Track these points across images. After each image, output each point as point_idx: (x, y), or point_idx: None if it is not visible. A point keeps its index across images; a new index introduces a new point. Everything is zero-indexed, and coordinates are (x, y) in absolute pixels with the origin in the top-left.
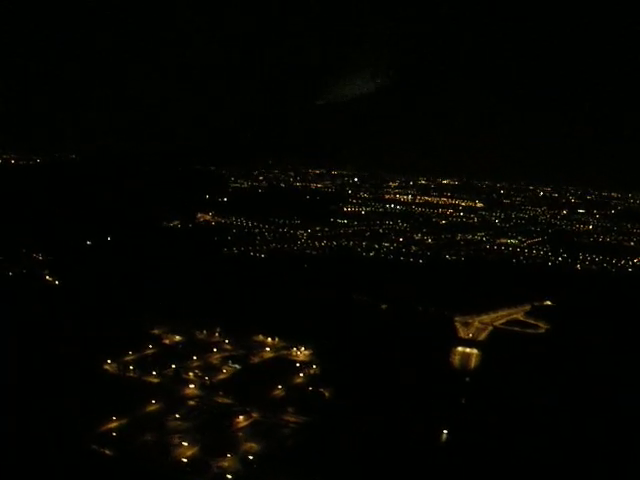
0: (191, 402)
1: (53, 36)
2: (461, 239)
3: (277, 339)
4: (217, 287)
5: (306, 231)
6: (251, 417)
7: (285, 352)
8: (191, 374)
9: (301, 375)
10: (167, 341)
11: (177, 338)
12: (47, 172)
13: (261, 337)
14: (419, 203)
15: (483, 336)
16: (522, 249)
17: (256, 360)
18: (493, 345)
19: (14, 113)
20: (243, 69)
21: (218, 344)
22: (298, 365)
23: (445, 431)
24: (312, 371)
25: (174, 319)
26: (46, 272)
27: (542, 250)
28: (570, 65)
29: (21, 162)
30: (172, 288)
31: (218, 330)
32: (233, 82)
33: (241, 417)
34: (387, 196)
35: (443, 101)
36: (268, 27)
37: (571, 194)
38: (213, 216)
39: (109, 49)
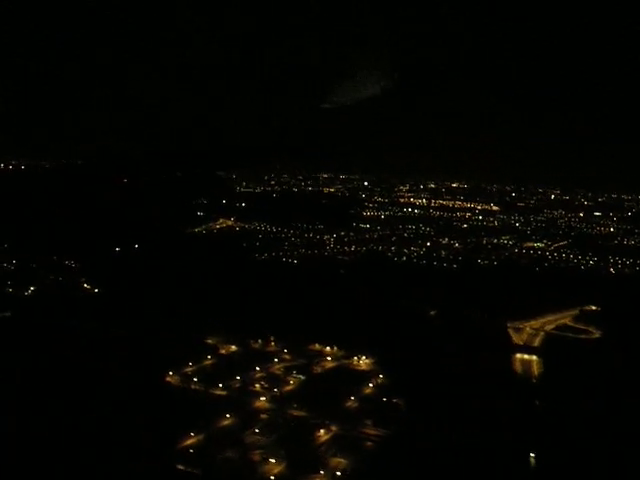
0: (264, 415)
1: (53, 37)
2: (487, 243)
3: (335, 348)
4: (258, 294)
5: (331, 236)
6: (331, 430)
7: (346, 361)
8: (257, 386)
9: (370, 385)
10: (224, 351)
11: (233, 348)
12: (59, 176)
13: (317, 346)
14: (435, 207)
15: (537, 342)
16: (550, 252)
17: (319, 370)
18: (551, 351)
19: (14, 116)
20: (246, 72)
21: (277, 354)
22: (363, 375)
23: (530, 442)
24: (379, 381)
25: (224, 328)
26: (83, 280)
27: (571, 253)
28: (573, 65)
29: (28, 166)
30: (214, 295)
31: (272, 339)
32: (236, 85)
33: (321, 431)
34: (402, 200)
35: (447, 103)
36: (272, 30)
37: (582, 196)
38: (235, 221)
39: (111, 52)
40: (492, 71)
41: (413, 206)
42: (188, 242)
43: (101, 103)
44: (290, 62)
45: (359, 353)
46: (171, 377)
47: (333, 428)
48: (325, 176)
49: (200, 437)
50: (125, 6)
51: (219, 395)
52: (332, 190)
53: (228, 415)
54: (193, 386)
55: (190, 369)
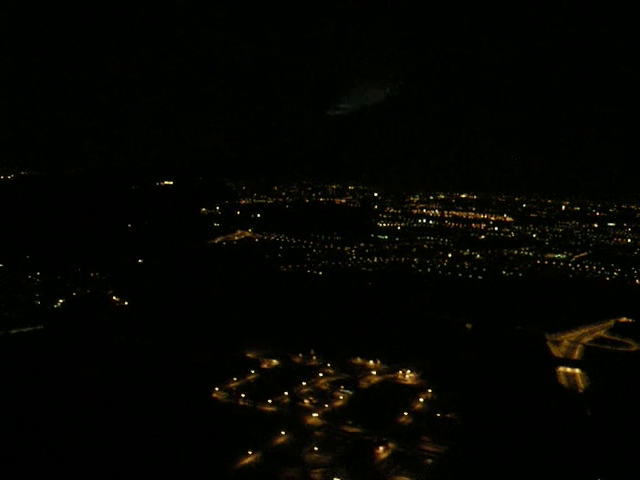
0: (319, 432)
1: (62, 47)
2: (508, 255)
3: (378, 362)
4: (290, 306)
5: (352, 247)
6: (389, 448)
7: (391, 376)
8: (307, 401)
9: (420, 400)
10: (265, 365)
11: (274, 362)
12: (70, 187)
13: (359, 360)
14: (449, 218)
15: (577, 355)
16: (573, 264)
17: (365, 385)
18: (593, 365)
19: (24, 126)
20: (252, 81)
21: (320, 368)
22: (410, 389)
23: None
24: (429, 396)
25: (263, 341)
26: (110, 292)
27: (593, 265)
28: (581, 75)
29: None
30: (246, 307)
31: (312, 353)
32: (243, 94)
33: (380, 448)
34: (414, 211)
35: (453, 113)
36: (278, 39)
37: (592, 207)
38: (253, 233)
39: (123, 63)
40: (499, 82)
41: (426, 217)
42: (210, 253)
43: (111, 114)
44: (296, 70)
45: (403, 367)
46: (217, 393)
47: (391, 445)
48: (334, 187)
49: (258, 455)
50: (137, 18)
51: (269, 411)
52: (343, 201)
53: (283, 432)
54: (241, 402)
55: (234, 384)
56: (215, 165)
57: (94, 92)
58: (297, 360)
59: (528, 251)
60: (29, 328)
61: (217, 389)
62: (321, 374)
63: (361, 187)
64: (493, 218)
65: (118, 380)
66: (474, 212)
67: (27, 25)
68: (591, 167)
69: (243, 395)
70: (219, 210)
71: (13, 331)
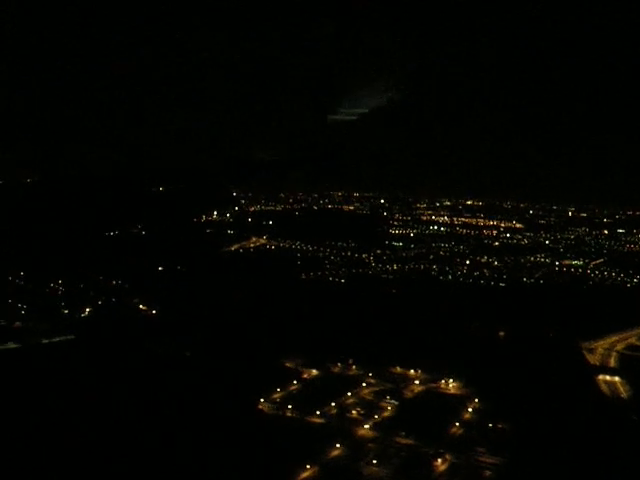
0: (372, 444)
1: (59, 46)
2: (525, 261)
3: (419, 371)
4: (319, 314)
5: (369, 254)
6: (446, 459)
7: (433, 385)
8: (354, 412)
9: (469, 410)
10: (306, 375)
11: (314, 372)
12: (73, 192)
13: (399, 369)
14: (459, 224)
15: (613, 362)
16: (590, 271)
17: (409, 394)
18: (632, 372)
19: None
20: (253, 84)
21: (361, 378)
22: (456, 399)
23: None
24: (476, 405)
25: (299, 350)
26: (136, 301)
27: (612, 271)
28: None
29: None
30: (274, 316)
31: (350, 362)
32: (241, 97)
33: (438, 460)
34: (424, 217)
35: (454, 119)
36: (279, 41)
37: (598, 213)
38: (268, 240)
39: (127, 67)
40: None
41: (437, 224)
42: (230, 261)
43: (108, 114)
44: (297, 73)
45: (445, 376)
46: (262, 404)
47: (448, 457)
48: (339, 194)
49: (316, 469)
50: (136, 18)
51: (318, 423)
52: (351, 208)
53: (338, 445)
54: (288, 413)
55: (278, 395)
56: (217, 170)
57: (93, 93)
58: (336, 370)
59: (544, 258)
60: (60, 338)
61: (262, 400)
62: (364, 384)
63: (367, 194)
64: (503, 225)
65: (156, 392)
66: (483, 219)
67: (27, 25)
68: (594, 173)
69: (290, 406)
70: (230, 217)
71: (44, 341)
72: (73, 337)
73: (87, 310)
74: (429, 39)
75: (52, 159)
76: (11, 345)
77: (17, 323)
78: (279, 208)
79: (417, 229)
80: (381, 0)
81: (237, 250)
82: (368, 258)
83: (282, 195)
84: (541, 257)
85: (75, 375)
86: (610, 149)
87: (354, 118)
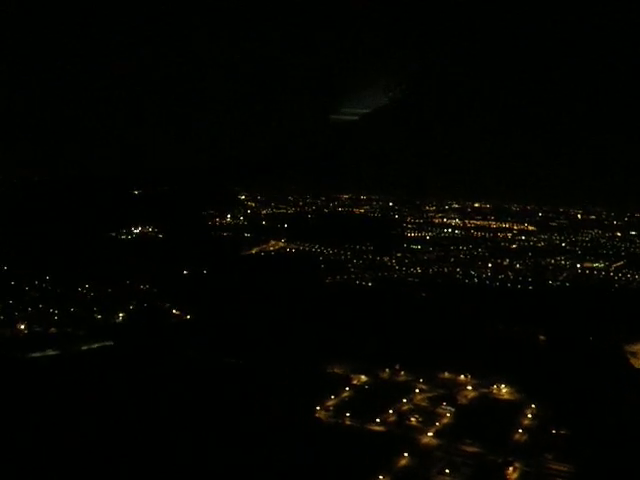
0: (439, 453)
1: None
2: (546, 264)
3: (469, 376)
4: (354, 318)
5: (389, 258)
6: (516, 468)
7: (485, 390)
8: (413, 419)
9: (528, 416)
10: (356, 382)
11: (363, 378)
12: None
13: (447, 374)
14: (471, 227)
15: None
16: (613, 273)
17: (464, 401)
18: None
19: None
20: (254, 85)
21: (411, 384)
22: (512, 404)
23: None
24: (533, 411)
25: (343, 356)
26: (167, 305)
27: (635, 274)
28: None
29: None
30: (310, 320)
31: (397, 367)
32: (242, 98)
33: (510, 469)
34: (435, 220)
35: (456, 117)
36: (278, 42)
37: (606, 215)
38: (286, 243)
39: (125, 66)
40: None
41: (449, 227)
42: (254, 264)
43: (114, 116)
44: (298, 73)
45: (495, 381)
46: (318, 412)
47: (518, 465)
48: (345, 197)
49: (389, 479)
50: (136, 18)
51: (379, 431)
52: (362, 211)
53: (406, 454)
54: (347, 422)
55: (332, 402)
56: (217, 170)
57: (93, 93)
58: (384, 376)
59: (563, 260)
60: (98, 344)
61: (318, 408)
62: (417, 390)
63: (373, 197)
64: (516, 227)
65: (207, 401)
66: (494, 221)
67: (27, 25)
68: (598, 174)
69: (348, 414)
70: (244, 220)
71: (83, 348)
72: (111, 343)
73: (120, 315)
74: (430, 39)
75: (52, 159)
76: (50, 352)
77: (52, 329)
78: (291, 211)
79: (432, 232)
80: (381, 0)
81: (258, 253)
82: (390, 261)
83: (290, 198)
84: (560, 259)
85: (118, 382)
86: (612, 150)
87: (356, 118)
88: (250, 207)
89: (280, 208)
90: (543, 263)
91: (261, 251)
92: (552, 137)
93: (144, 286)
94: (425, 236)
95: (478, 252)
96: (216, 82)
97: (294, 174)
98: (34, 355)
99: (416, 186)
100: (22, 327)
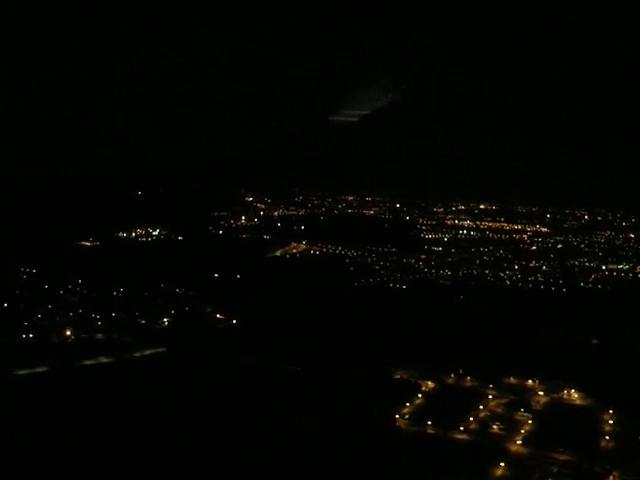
0: (532, 461)
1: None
2: (571, 266)
3: (537, 381)
4: (402, 323)
5: (415, 259)
6: (615, 477)
7: (556, 396)
8: (495, 427)
9: (609, 422)
10: (424, 388)
11: (430, 384)
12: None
13: (512, 379)
14: (485, 229)
15: None
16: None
17: (538, 407)
18: None
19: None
20: (253, 85)
21: (480, 389)
22: (586, 410)
23: None
24: (611, 417)
25: (403, 361)
26: (209, 310)
27: None
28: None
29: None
30: (356, 324)
31: (461, 372)
32: (242, 98)
33: (610, 478)
34: (448, 222)
35: (456, 117)
36: (279, 41)
37: (612, 216)
38: (307, 245)
39: (128, 69)
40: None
41: (463, 228)
42: (282, 267)
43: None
44: (298, 74)
45: (563, 386)
46: (398, 420)
47: (615, 474)
48: (350, 198)
49: None
50: (136, 18)
51: (463, 439)
52: (372, 212)
53: (502, 464)
54: (429, 430)
55: (407, 410)
56: (222, 172)
57: (93, 93)
58: (450, 381)
59: (587, 262)
60: (151, 351)
61: (397, 416)
62: (490, 396)
63: (378, 198)
64: (529, 228)
65: (275, 410)
66: (505, 223)
67: (27, 25)
68: (599, 175)
69: (429, 422)
70: (258, 222)
71: (136, 354)
72: (164, 350)
73: (165, 320)
74: (430, 39)
75: (59, 160)
76: (103, 359)
77: (99, 335)
78: (301, 212)
79: (448, 234)
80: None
81: (283, 256)
82: (417, 263)
83: (296, 199)
84: (583, 261)
85: (178, 389)
86: (613, 150)
87: (355, 119)
88: (260, 209)
89: (290, 210)
90: (568, 265)
91: (285, 253)
92: (553, 138)
93: (179, 289)
94: (442, 238)
95: (500, 254)
96: (216, 82)
97: (294, 175)
98: (87, 362)
99: (418, 187)
100: (68, 333)
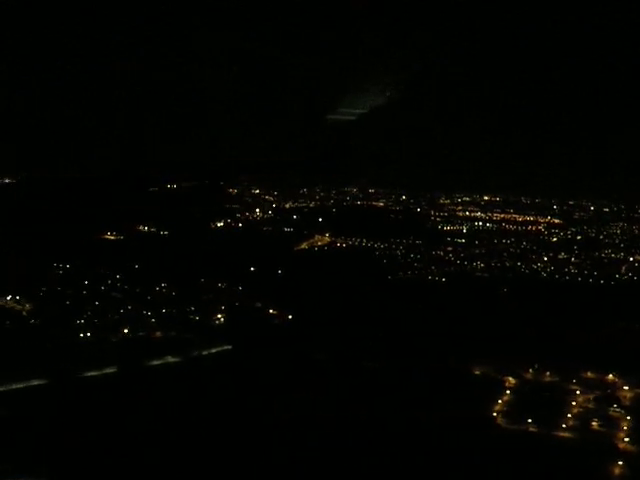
0: None
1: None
2: (597, 257)
3: (617, 375)
4: (458, 316)
5: (446, 252)
6: None
7: (638, 390)
8: (594, 424)
9: None
10: (507, 384)
11: (512, 380)
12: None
13: (590, 374)
14: (499, 220)
15: None
16: None
17: (627, 402)
18: None
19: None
20: (253, 86)
21: (563, 385)
22: None
23: None
24: None
25: (477, 356)
26: (259, 305)
27: None
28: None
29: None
30: (420, 321)
31: (536, 367)
32: (241, 98)
33: None
34: (459, 214)
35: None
36: (277, 41)
37: (616, 207)
38: (331, 237)
39: (127, 68)
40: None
41: (476, 220)
42: (315, 260)
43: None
44: (296, 73)
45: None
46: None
47: None
48: (354, 190)
49: None
50: (136, 17)
51: (567, 437)
52: (381, 204)
53: (620, 462)
54: (530, 428)
55: (499, 407)
56: (222, 170)
57: (93, 92)
58: (529, 376)
59: (612, 253)
60: (217, 349)
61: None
62: (578, 392)
63: (380, 190)
64: (541, 220)
65: (368, 409)
66: (516, 214)
67: (27, 25)
68: (599, 168)
69: (530, 420)
70: (272, 214)
71: (204, 352)
72: (230, 347)
73: (219, 317)
74: (429, 38)
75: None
76: (170, 358)
77: (157, 333)
78: (312, 205)
79: (464, 225)
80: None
81: (311, 248)
82: (447, 255)
83: (301, 192)
84: (609, 252)
85: (255, 388)
86: (611, 144)
87: (353, 118)
88: (269, 201)
89: (300, 202)
90: (595, 256)
91: (312, 246)
92: (551, 132)
93: (221, 284)
94: (461, 229)
95: (524, 246)
96: (216, 81)
97: (294, 173)
98: (155, 362)
99: (418, 180)
100: (126, 331)
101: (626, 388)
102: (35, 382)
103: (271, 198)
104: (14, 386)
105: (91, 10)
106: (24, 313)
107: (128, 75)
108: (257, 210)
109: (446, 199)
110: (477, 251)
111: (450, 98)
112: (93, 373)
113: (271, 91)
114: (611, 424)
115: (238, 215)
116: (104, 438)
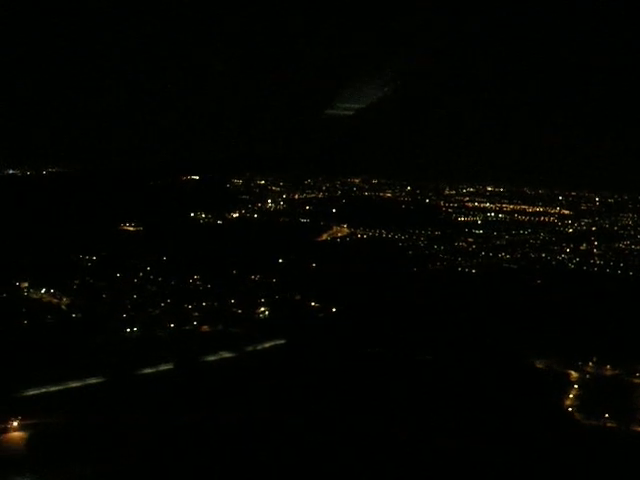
0: None
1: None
2: (621, 248)
3: None
4: (498, 309)
5: (468, 243)
6: None
7: None
8: None
9: None
10: (571, 378)
11: (574, 374)
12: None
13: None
14: (510, 211)
15: None
16: None
17: None
18: None
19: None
20: (250, 79)
21: (626, 378)
22: None
23: None
24: None
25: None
26: (299, 297)
27: None
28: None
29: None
30: (463, 313)
31: (594, 360)
32: (239, 91)
33: None
34: (469, 204)
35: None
36: (275, 36)
37: (618, 199)
38: (349, 229)
39: (129, 63)
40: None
41: (486, 210)
42: (342, 252)
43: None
44: (295, 69)
45: None
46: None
47: None
48: (357, 181)
49: None
50: (136, 17)
51: None
52: (389, 195)
53: None
54: (609, 424)
55: (570, 402)
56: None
57: (93, 92)
58: (590, 370)
59: (632, 244)
60: (270, 343)
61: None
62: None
63: (382, 180)
64: (551, 211)
65: (419, 403)
66: (525, 205)
67: (27, 25)
68: (600, 157)
69: (607, 415)
70: (283, 204)
71: (258, 348)
72: (283, 342)
73: (263, 310)
74: (429, 37)
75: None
76: (224, 354)
77: (204, 327)
78: (321, 196)
79: (477, 216)
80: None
81: (333, 240)
82: (471, 247)
83: (306, 182)
84: (628, 244)
85: (319, 385)
86: (612, 134)
87: (351, 113)
88: (277, 192)
89: (309, 193)
90: (616, 247)
91: (331, 238)
92: (548, 122)
93: (254, 276)
94: (475, 220)
95: (543, 237)
96: (215, 82)
97: (294, 169)
98: (210, 358)
99: (419, 171)
100: (172, 326)
101: None
102: (92, 380)
103: (277, 189)
104: (71, 385)
105: (90, 10)
106: (63, 307)
107: (131, 73)
108: (269, 201)
109: (451, 190)
110: (497, 242)
111: (448, 92)
112: (149, 370)
113: (270, 86)
114: None
115: (249, 206)
116: (169, 440)
